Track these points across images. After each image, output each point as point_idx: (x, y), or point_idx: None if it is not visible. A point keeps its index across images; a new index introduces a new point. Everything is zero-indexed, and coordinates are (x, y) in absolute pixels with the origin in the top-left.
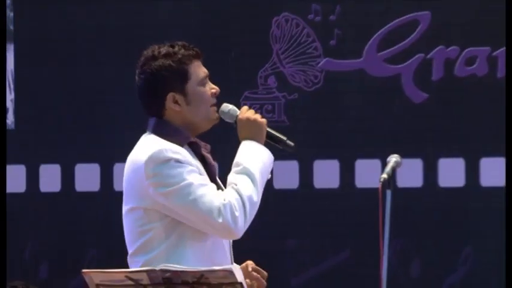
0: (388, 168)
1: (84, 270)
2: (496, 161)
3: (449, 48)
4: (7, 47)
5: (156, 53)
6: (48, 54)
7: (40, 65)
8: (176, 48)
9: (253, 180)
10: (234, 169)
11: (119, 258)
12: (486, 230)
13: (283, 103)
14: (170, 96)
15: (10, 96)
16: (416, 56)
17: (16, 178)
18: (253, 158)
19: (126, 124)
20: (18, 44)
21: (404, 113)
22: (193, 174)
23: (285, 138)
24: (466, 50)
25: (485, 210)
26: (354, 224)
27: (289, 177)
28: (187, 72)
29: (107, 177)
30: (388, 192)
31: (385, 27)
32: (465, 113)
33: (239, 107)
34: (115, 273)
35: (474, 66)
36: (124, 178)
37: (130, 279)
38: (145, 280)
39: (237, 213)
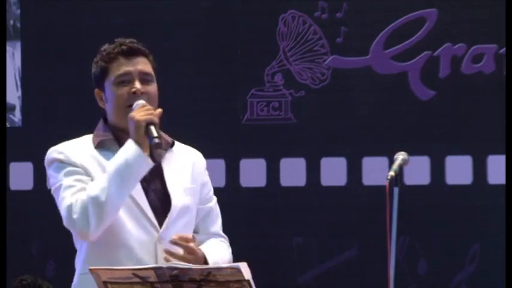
0: (396, 165)
1: (91, 268)
2: (504, 159)
3: (456, 46)
4: (14, 44)
5: (101, 48)
6: (55, 51)
7: (47, 62)
8: (109, 45)
9: (107, 179)
10: None
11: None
12: (493, 227)
13: (290, 100)
14: (96, 91)
15: (17, 94)
16: (423, 54)
17: (23, 175)
18: (117, 157)
19: None
20: (25, 42)
21: (411, 111)
22: (71, 175)
23: (154, 135)
24: (473, 47)
25: (493, 208)
26: (361, 222)
27: (297, 174)
28: (107, 70)
29: None
30: (396, 190)
31: (392, 24)
32: (472, 110)
33: (246, 105)
34: (122, 271)
35: (481, 63)
36: None
37: (138, 276)
38: (152, 277)
39: (74, 216)
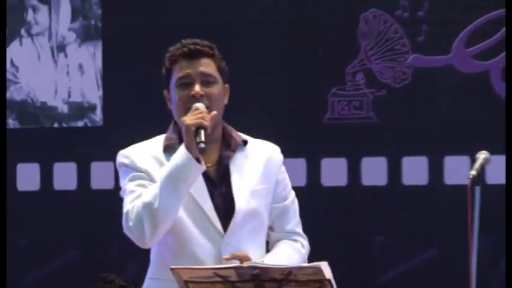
0: (477, 164)
1: (172, 267)
2: None
3: None
4: (95, 44)
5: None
6: (136, 51)
7: (128, 62)
8: (176, 46)
9: (159, 185)
10: None
11: None
12: None
13: (371, 99)
14: (164, 92)
15: (98, 93)
16: (505, 52)
17: (105, 175)
18: (170, 163)
19: None
20: (106, 41)
21: (493, 109)
22: (133, 180)
23: (199, 140)
24: None
25: None
26: (442, 221)
27: (378, 173)
28: (170, 72)
29: None
30: (477, 189)
31: (474, 23)
32: None
33: (326, 104)
34: (203, 270)
35: None
36: None
37: (219, 275)
38: (233, 277)
39: (130, 223)
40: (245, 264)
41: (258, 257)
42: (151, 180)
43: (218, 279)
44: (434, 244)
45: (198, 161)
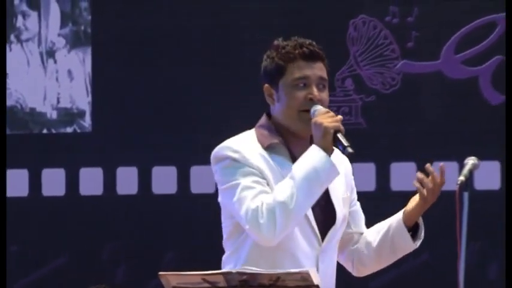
0: (466, 170)
1: (160, 273)
2: None
3: None
4: (85, 50)
5: (276, 43)
6: (125, 56)
7: (117, 67)
8: (290, 43)
9: (294, 186)
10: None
11: (197, 260)
12: None
13: (360, 105)
14: (266, 87)
15: (87, 99)
16: (494, 58)
17: (94, 180)
18: (305, 164)
19: (202, 126)
20: (96, 47)
21: (481, 115)
22: (248, 176)
23: (346, 144)
24: None
25: None
26: (431, 227)
27: (367, 179)
28: (284, 69)
29: (183, 179)
30: (466, 195)
31: (463, 29)
32: None
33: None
34: (191, 276)
35: None
36: None
37: (207, 281)
38: (222, 282)
39: (261, 221)
40: (234, 270)
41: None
42: (263, 177)
43: (207, 285)
44: (425, 249)
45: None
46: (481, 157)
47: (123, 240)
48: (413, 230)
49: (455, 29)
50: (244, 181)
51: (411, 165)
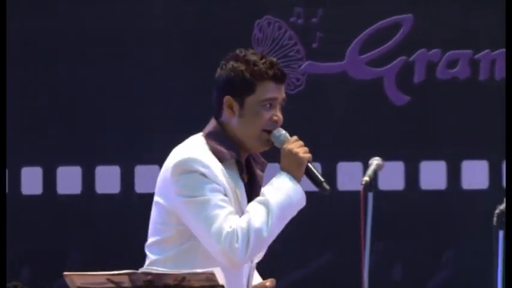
0: (370, 170)
1: (65, 273)
2: (478, 164)
3: (431, 51)
4: None
5: (242, 54)
6: (37, 56)
7: (28, 66)
8: (261, 61)
9: (269, 213)
10: (257, 198)
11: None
12: (468, 233)
13: None
14: (227, 98)
15: None
16: (398, 59)
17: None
18: (279, 192)
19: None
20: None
21: (386, 116)
22: (216, 193)
23: (322, 179)
24: (448, 53)
25: (467, 213)
26: (336, 227)
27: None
28: (254, 87)
29: (88, 179)
30: (370, 195)
31: (367, 29)
32: (447, 115)
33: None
34: (96, 276)
35: (456, 69)
36: (163, 168)
37: (112, 281)
38: (126, 283)
39: (236, 245)
40: (139, 271)
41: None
42: (226, 195)
43: (111, 285)
44: (329, 249)
45: None
46: (385, 157)
47: (28, 240)
48: None
49: (359, 30)
50: (213, 199)
51: (316, 166)
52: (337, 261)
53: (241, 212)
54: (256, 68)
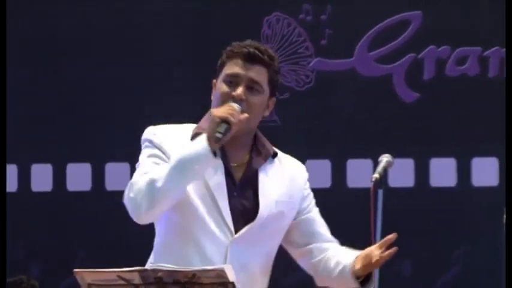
0: (380, 167)
1: (76, 270)
2: (488, 161)
3: (441, 48)
4: None
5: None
6: (38, 54)
7: (30, 65)
8: (240, 43)
9: (169, 165)
10: None
11: (110, 257)
12: (479, 230)
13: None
14: (213, 81)
15: None
16: (408, 56)
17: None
18: (186, 147)
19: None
20: (10, 45)
21: (395, 113)
22: (151, 157)
23: (217, 130)
24: (457, 49)
25: (477, 210)
26: (345, 224)
27: None
28: (224, 65)
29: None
30: (380, 192)
31: (376, 26)
32: (456, 112)
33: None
34: (107, 273)
35: (465, 65)
36: None
37: (122, 278)
38: (137, 280)
39: (131, 194)
40: (149, 267)
41: (259, 266)
42: (166, 158)
43: (122, 282)
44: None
45: (215, 154)
46: (395, 154)
47: (37, 238)
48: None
49: (368, 27)
50: (146, 161)
51: (326, 162)
52: None
53: (205, 187)
54: (229, 48)
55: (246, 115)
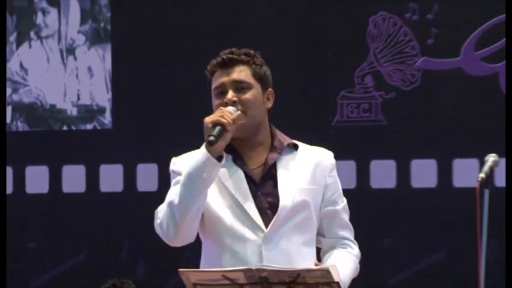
0: (486, 167)
1: (180, 270)
2: None
3: None
4: (104, 47)
5: None
6: (145, 53)
7: (137, 64)
8: (214, 58)
9: (181, 183)
10: None
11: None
12: None
13: (380, 102)
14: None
15: (108, 96)
16: None
17: (114, 177)
18: (192, 160)
19: None
20: (115, 44)
21: (502, 112)
22: (175, 185)
23: (210, 133)
24: None
25: None
26: (451, 224)
27: (387, 176)
28: (210, 82)
29: None
30: (486, 192)
31: (483, 25)
32: None
33: (335, 107)
34: (212, 273)
35: None
36: None
37: (227, 278)
38: (241, 279)
39: (157, 221)
40: (253, 267)
41: (305, 255)
42: None
43: (226, 281)
44: (443, 247)
45: (220, 158)
46: (501, 154)
47: (143, 237)
48: None
49: (475, 26)
50: (169, 191)
51: (431, 162)
52: (452, 259)
53: (230, 198)
54: (209, 66)
55: (239, 112)
